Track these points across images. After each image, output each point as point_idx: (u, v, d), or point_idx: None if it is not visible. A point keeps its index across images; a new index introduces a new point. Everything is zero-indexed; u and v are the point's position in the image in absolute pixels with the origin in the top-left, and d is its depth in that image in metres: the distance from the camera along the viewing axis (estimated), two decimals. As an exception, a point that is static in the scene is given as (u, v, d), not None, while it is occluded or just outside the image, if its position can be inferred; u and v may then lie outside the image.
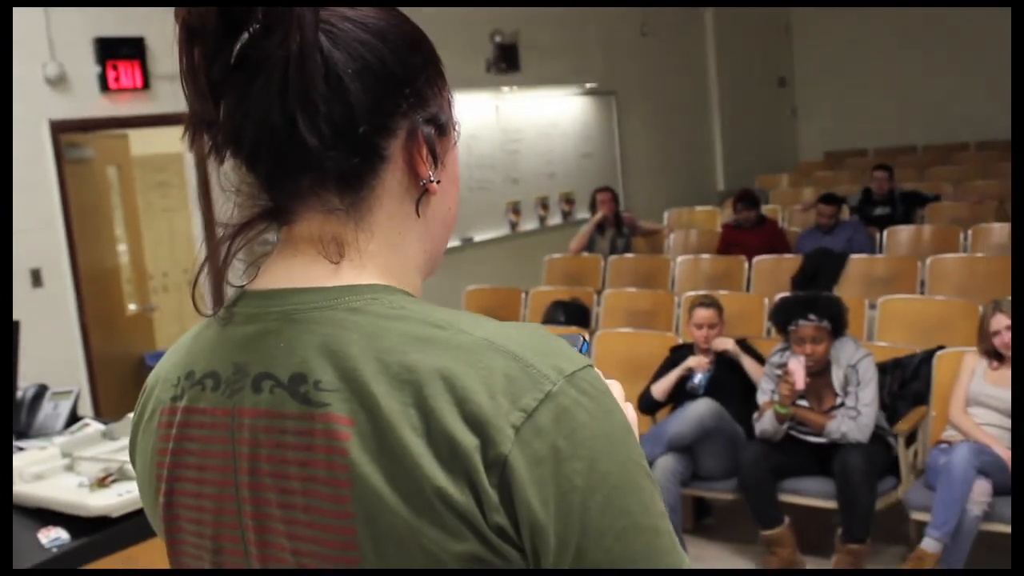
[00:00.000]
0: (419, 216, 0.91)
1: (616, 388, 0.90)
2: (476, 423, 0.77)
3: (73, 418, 3.13)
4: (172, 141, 7.03)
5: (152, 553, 2.40)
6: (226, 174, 0.88)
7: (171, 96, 6.47)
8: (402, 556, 0.78)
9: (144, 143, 7.28)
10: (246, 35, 0.81)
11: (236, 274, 0.91)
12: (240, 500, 0.86)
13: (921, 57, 12.82)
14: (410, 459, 0.77)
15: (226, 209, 0.90)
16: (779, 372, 4.44)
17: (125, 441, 2.64)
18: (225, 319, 0.90)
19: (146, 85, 6.32)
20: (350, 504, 0.78)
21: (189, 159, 6.82)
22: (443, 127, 0.92)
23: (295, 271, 0.87)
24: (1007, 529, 4.04)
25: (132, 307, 7.10)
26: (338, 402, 0.80)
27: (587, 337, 1.05)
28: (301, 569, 0.83)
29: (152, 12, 6.35)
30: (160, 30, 6.37)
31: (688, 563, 0.83)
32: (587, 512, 0.77)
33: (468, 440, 0.76)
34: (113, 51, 6.16)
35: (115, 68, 6.17)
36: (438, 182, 0.91)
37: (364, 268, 0.88)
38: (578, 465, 0.77)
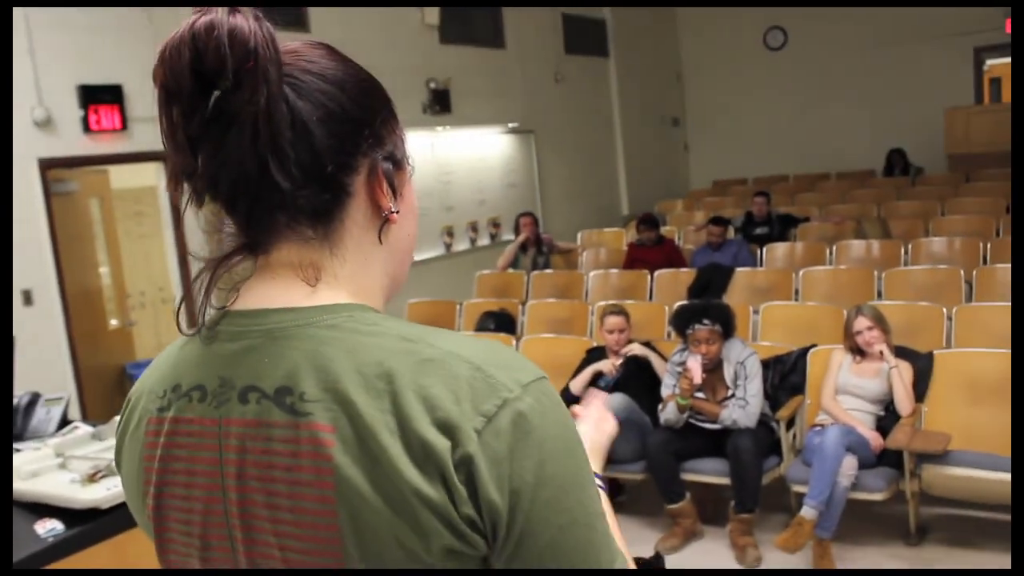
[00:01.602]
0: (382, 243, 0.90)
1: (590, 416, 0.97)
2: (445, 427, 0.76)
3: (64, 422, 3.05)
4: (147, 175, 6.93)
5: (140, 541, 2.35)
6: (205, 216, 0.86)
7: (146, 136, 6.37)
8: (382, 551, 0.77)
9: (122, 177, 7.14)
10: (218, 93, 0.79)
11: (217, 298, 0.89)
12: (227, 502, 0.83)
13: (792, 101, 13.13)
14: (389, 461, 0.76)
15: (205, 245, 0.88)
16: (679, 369, 4.48)
17: (112, 441, 2.59)
18: (209, 337, 0.87)
19: (124, 126, 6.20)
20: (335, 504, 0.77)
21: (162, 191, 6.69)
22: (399, 162, 0.91)
23: (275, 293, 0.86)
24: (871, 497, 4.13)
25: (114, 322, 6.94)
26: (320, 411, 0.78)
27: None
28: (287, 566, 0.81)
29: (129, 62, 6.26)
30: (136, 78, 6.28)
31: (621, 560, 0.83)
32: (534, 505, 0.76)
33: (440, 442, 0.75)
34: (95, 96, 6.04)
35: (96, 112, 6.05)
36: (397, 212, 0.90)
37: (337, 290, 0.86)
38: (529, 464, 0.77)
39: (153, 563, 2.66)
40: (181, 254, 6.72)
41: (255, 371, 0.82)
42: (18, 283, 5.72)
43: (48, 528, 2.17)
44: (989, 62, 13.00)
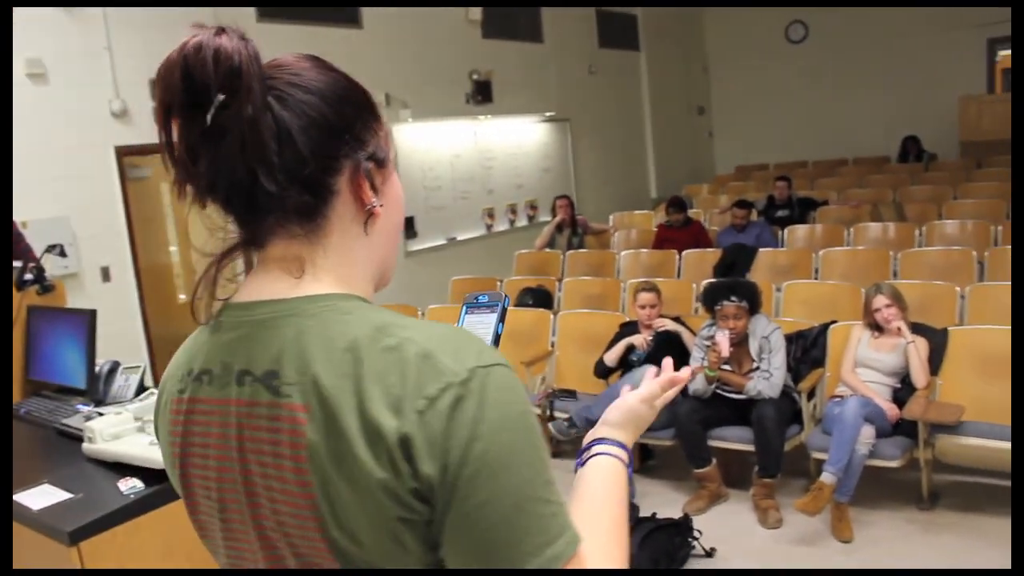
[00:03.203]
0: (367, 234, 0.92)
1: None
2: (394, 408, 0.78)
3: (141, 388, 3.08)
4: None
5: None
6: (209, 215, 0.88)
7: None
8: (350, 517, 0.79)
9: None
10: (212, 107, 0.81)
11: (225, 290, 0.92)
12: (234, 472, 0.88)
13: (811, 91, 12.91)
14: (348, 441, 0.78)
15: (210, 241, 0.90)
16: (707, 343, 4.44)
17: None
18: (215, 326, 0.92)
19: (192, 116, 6.24)
20: (309, 475, 0.80)
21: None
22: (381, 161, 0.92)
23: (265, 286, 0.89)
24: (887, 464, 4.08)
25: (182, 297, 7.02)
26: (296, 393, 0.82)
27: (506, 296, 1.05)
28: (281, 528, 0.85)
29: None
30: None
31: (559, 546, 0.79)
32: (457, 481, 0.77)
33: (388, 423, 0.77)
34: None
35: (167, 103, 6.09)
36: (381, 205, 0.92)
37: (321, 280, 0.89)
38: (458, 442, 0.77)
39: (192, 537, 2.69)
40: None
41: (248, 357, 0.86)
42: (97, 260, 5.82)
43: (130, 486, 2.19)
44: (1001, 53, 12.67)
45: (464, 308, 1.07)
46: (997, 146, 10.41)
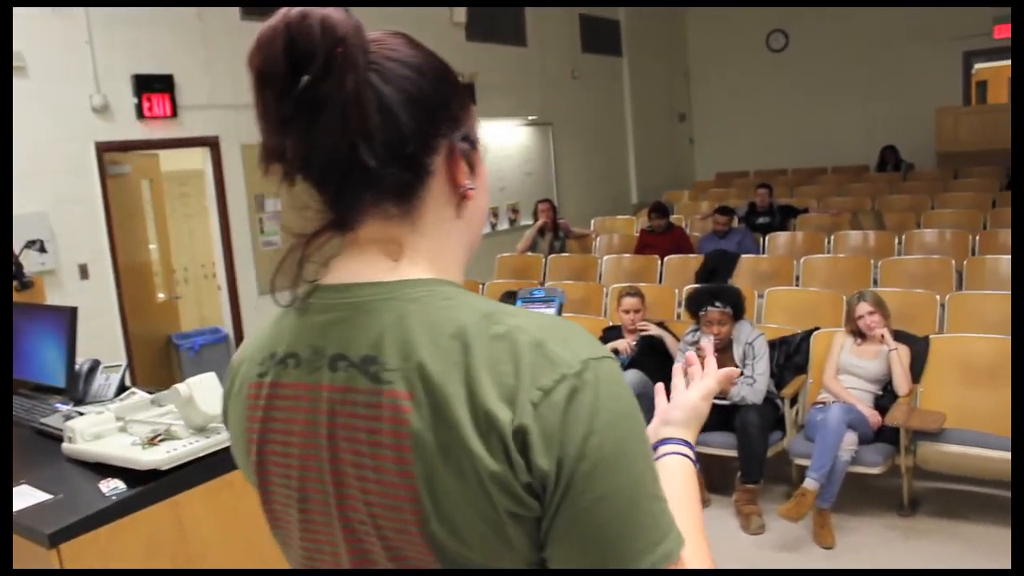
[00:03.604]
0: (459, 217, 0.89)
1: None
2: (508, 400, 0.75)
3: (122, 387, 3.03)
4: (194, 159, 6.90)
5: (195, 503, 2.33)
6: (296, 193, 0.84)
7: (194, 123, 6.35)
8: (454, 510, 0.76)
9: (171, 161, 7.13)
10: (308, 78, 0.78)
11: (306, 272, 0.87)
12: (320, 460, 0.84)
13: (792, 100, 13.01)
14: (459, 431, 0.75)
15: (298, 222, 0.86)
16: (692, 348, 4.44)
17: (170, 407, 2.56)
18: (302, 309, 0.87)
19: (174, 114, 6.17)
20: (411, 466, 0.77)
21: (208, 175, 6.67)
22: (474, 142, 0.90)
23: (360, 268, 0.85)
24: (869, 471, 4.09)
25: (161, 296, 6.94)
26: (399, 380, 0.78)
27: (563, 291, 1.04)
28: (372, 519, 0.81)
29: (180, 54, 6.22)
30: (186, 69, 6.25)
31: (669, 543, 0.77)
32: (574, 476, 0.74)
33: (503, 414, 0.74)
34: (148, 85, 6.01)
35: (149, 99, 6.02)
36: (473, 188, 0.89)
37: (418, 264, 0.85)
38: (576, 436, 0.74)
39: (206, 525, 2.63)
40: (224, 234, 6.70)
41: (343, 341, 0.83)
42: (75, 258, 5.74)
43: (112, 487, 2.14)
44: (977, 66, 12.84)
45: (519, 302, 1.06)
46: (973, 157, 10.53)
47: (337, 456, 0.82)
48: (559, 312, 1.04)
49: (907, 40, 12.00)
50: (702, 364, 3.82)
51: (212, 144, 6.55)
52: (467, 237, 0.92)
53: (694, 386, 1.11)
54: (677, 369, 1.15)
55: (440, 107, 0.85)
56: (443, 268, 0.88)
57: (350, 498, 0.82)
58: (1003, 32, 11.52)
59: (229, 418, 0.98)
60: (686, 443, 1.03)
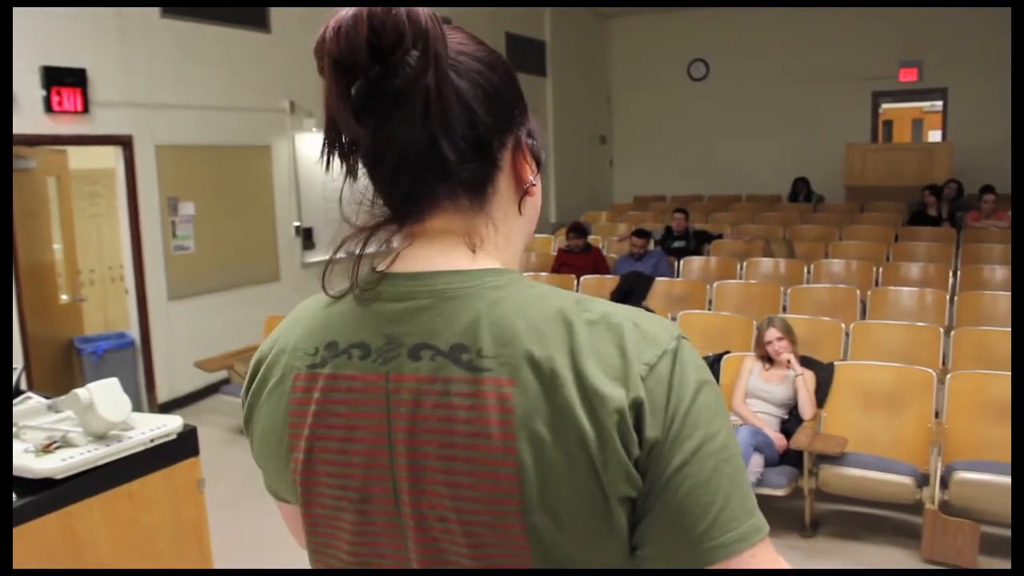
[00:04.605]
0: (520, 214, 0.89)
1: None
2: (619, 378, 0.75)
3: (16, 391, 2.89)
4: (105, 158, 6.67)
5: (90, 513, 2.24)
6: (357, 187, 0.84)
7: (107, 120, 6.14)
8: (562, 497, 0.75)
9: (81, 158, 6.88)
10: (385, 68, 0.78)
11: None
12: (394, 455, 0.81)
13: (710, 128, 13.33)
14: (569, 414, 0.75)
15: (359, 214, 0.86)
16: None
17: (68, 413, 2.45)
18: (368, 298, 0.84)
19: (86, 109, 5.94)
20: (517, 454, 0.75)
21: (120, 174, 6.45)
22: (537, 139, 0.91)
23: (437, 257, 0.84)
24: (773, 492, 4.18)
25: (64, 297, 6.66)
26: (498, 366, 0.77)
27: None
28: (458, 514, 0.78)
29: (95, 49, 6.01)
30: (101, 64, 6.04)
31: (762, 524, 0.78)
32: (674, 439, 0.76)
33: (616, 392, 0.75)
34: (58, 78, 5.77)
35: (59, 93, 5.78)
36: (535, 185, 0.90)
37: (493, 257, 0.86)
38: (683, 406, 0.76)
39: (103, 538, 2.51)
40: (134, 236, 6.48)
41: (427, 329, 0.81)
42: (-28, 254, 5.45)
43: (1, 495, 2.03)
44: (884, 105, 13.39)
45: None
46: (879, 192, 10.96)
47: (418, 450, 0.79)
48: None
49: (821, 78, 12.45)
50: None
51: (125, 143, 6.34)
52: (525, 234, 0.92)
53: None
54: None
55: (510, 103, 0.86)
56: (509, 262, 0.88)
57: (429, 494, 0.79)
58: (908, 75, 12.08)
59: (256, 417, 0.92)
60: None
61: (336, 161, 0.83)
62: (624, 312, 0.80)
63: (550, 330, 0.77)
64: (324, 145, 0.82)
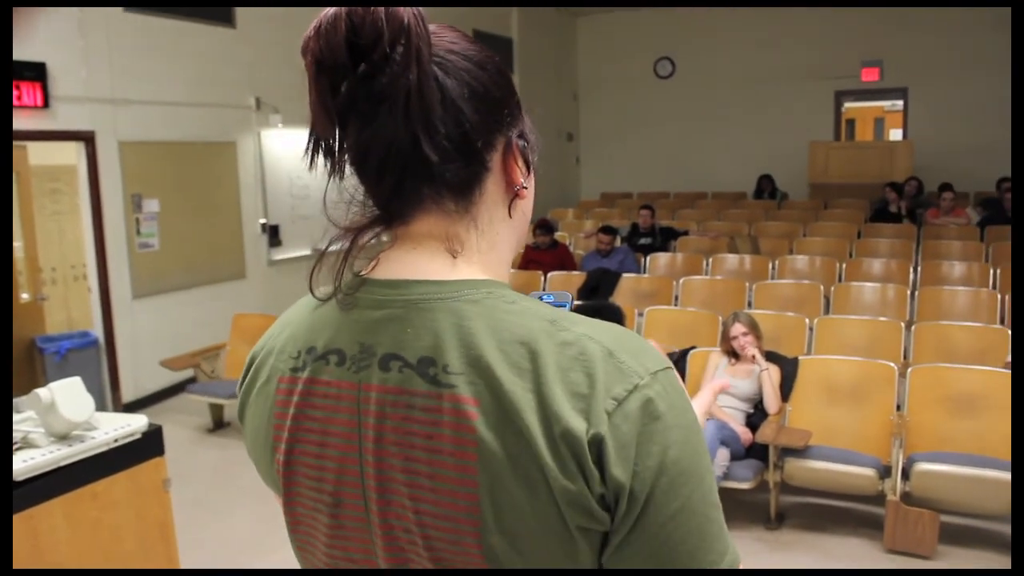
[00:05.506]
0: (510, 217, 0.87)
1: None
2: (582, 409, 0.73)
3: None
4: (67, 154, 6.56)
5: (52, 514, 2.20)
6: (344, 187, 0.82)
7: (68, 115, 6.04)
8: (519, 522, 0.73)
9: (41, 154, 6.75)
10: (367, 68, 0.76)
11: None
12: (364, 463, 0.79)
13: (676, 125, 13.40)
14: (527, 441, 0.72)
15: (347, 215, 0.83)
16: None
17: (29, 413, 2.41)
18: (348, 303, 0.83)
19: (46, 104, 5.84)
20: (476, 475, 0.74)
21: (82, 171, 6.35)
22: (529, 141, 0.88)
23: (416, 264, 0.82)
24: (739, 486, 4.22)
25: (25, 296, 6.55)
26: (463, 384, 0.75)
27: (572, 296, 1.02)
28: (421, 528, 0.77)
29: (55, 43, 5.91)
30: (61, 58, 5.94)
31: (732, 553, 0.78)
32: (654, 490, 0.73)
33: (577, 424, 0.72)
34: (17, 73, 5.67)
35: (18, 87, 5.68)
36: (526, 188, 0.87)
37: (474, 264, 0.83)
38: (654, 449, 0.73)
39: (65, 539, 2.48)
40: (97, 233, 6.39)
41: (397, 340, 0.79)
42: (-71, 252, 5.34)
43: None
44: (847, 104, 13.56)
45: None
46: (842, 189, 11.10)
47: (384, 461, 0.78)
48: None
49: (785, 76, 12.57)
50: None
51: (87, 139, 6.24)
52: (515, 238, 0.90)
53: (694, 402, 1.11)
54: None
55: (500, 103, 0.83)
56: (494, 268, 0.85)
57: (395, 505, 0.78)
58: (870, 75, 12.24)
59: (247, 414, 0.92)
60: None
61: (320, 159, 0.82)
62: (606, 336, 0.77)
63: (517, 351, 0.75)
64: (308, 143, 0.81)
